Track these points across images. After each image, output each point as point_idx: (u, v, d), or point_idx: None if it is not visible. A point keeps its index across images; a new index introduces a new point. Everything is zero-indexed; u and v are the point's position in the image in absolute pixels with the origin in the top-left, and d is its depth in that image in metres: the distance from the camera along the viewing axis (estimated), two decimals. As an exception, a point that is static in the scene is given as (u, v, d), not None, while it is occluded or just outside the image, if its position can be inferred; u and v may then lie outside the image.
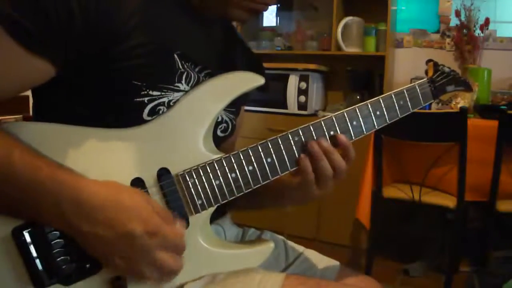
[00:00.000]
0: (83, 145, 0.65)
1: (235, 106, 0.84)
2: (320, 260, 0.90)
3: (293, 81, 2.74)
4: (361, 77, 2.80)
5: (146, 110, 0.67)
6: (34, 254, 0.61)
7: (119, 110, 0.66)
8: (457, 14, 2.64)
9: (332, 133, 0.71)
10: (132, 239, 0.58)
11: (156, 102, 0.67)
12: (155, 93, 0.67)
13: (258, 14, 0.75)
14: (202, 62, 0.74)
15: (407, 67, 2.88)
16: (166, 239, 0.60)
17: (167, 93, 0.68)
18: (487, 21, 2.58)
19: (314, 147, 0.70)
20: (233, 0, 0.70)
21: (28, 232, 0.61)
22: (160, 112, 0.68)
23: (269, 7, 0.74)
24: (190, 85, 0.71)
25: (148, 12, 0.66)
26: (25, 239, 0.61)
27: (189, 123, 0.68)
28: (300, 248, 0.93)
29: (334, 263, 0.90)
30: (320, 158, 0.70)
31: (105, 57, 0.64)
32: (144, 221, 0.59)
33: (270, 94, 2.74)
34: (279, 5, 3.25)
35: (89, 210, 0.58)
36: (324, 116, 0.72)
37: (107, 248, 0.59)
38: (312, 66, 2.75)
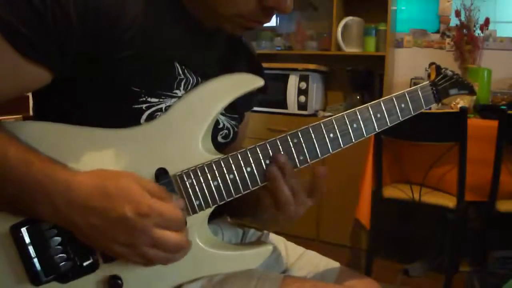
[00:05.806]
0: (81, 145, 0.65)
1: (237, 112, 0.84)
2: (320, 261, 0.89)
3: (293, 81, 2.74)
4: (361, 77, 2.79)
5: (144, 117, 0.67)
6: (32, 251, 0.62)
7: (117, 116, 0.66)
8: (457, 14, 2.64)
9: (332, 135, 0.70)
10: (126, 223, 0.57)
11: (153, 109, 0.67)
12: (153, 99, 0.67)
13: (252, 30, 0.73)
14: (202, 69, 0.74)
15: (407, 67, 2.88)
16: (162, 216, 0.58)
17: (165, 100, 0.68)
18: (487, 21, 2.58)
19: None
20: (226, 17, 0.68)
21: (26, 229, 0.62)
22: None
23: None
24: (188, 90, 0.71)
25: (148, 20, 0.66)
26: (22, 236, 0.61)
27: (187, 123, 0.68)
28: (300, 249, 0.93)
29: (334, 264, 0.89)
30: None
31: (105, 63, 0.63)
32: (135, 202, 0.57)
33: (270, 94, 2.73)
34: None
35: (79, 201, 0.58)
36: (324, 116, 0.71)
37: (105, 237, 0.59)
38: (312, 66, 2.75)
